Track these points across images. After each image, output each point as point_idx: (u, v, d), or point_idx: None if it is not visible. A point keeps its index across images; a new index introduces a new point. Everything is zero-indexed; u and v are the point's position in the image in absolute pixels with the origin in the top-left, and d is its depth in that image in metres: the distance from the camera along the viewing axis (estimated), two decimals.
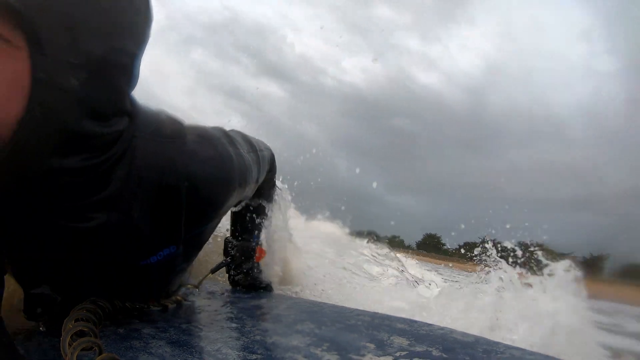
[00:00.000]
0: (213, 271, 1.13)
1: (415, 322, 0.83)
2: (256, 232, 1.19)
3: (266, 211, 1.21)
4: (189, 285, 1.03)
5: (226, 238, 1.20)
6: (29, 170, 0.53)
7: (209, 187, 0.73)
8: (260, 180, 1.04)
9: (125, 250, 0.68)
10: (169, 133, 0.70)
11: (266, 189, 1.17)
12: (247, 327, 0.81)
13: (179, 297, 0.93)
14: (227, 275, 1.20)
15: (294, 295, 1.40)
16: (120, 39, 0.57)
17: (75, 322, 0.57)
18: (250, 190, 0.98)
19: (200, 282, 1.07)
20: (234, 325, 0.83)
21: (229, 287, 1.20)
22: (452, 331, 0.75)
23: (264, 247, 1.21)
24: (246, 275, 1.16)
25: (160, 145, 0.67)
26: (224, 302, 1.04)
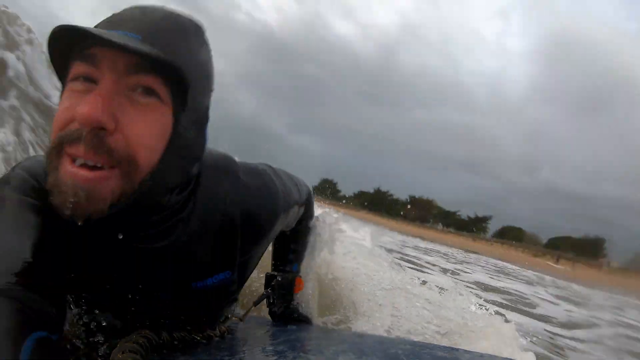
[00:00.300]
0: (255, 304, 1.16)
1: (456, 350, 0.80)
2: (296, 264, 1.22)
3: (306, 243, 1.24)
4: (233, 317, 1.07)
5: (267, 272, 1.24)
6: (150, 207, 0.62)
7: (259, 215, 0.82)
8: (301, 212, 1.09)
9: (185, 270, 0.74)
10: (224, 168, 0.80)
11: (305, 223, 1.21)
12: (289, 359, 0.82)
13: (223, 328, 0.96)
14: (268, 307, 1.22)
15: (334, 326, 1.39)
16: (210, 95, 0.68)
17: (122, 353, 0.62)
18: (292, 218, 1.05)
19: (244, 315, 1.10)
20: (276, 357, 0.84)
21: (270, 320, 1.22)
22: (492, 357, 0.72)
23: (303, 278, 1.22)
24: (286, 307, 1.18)
25: (218, 179, 0.77)
26: (266, 334, 1.06)
